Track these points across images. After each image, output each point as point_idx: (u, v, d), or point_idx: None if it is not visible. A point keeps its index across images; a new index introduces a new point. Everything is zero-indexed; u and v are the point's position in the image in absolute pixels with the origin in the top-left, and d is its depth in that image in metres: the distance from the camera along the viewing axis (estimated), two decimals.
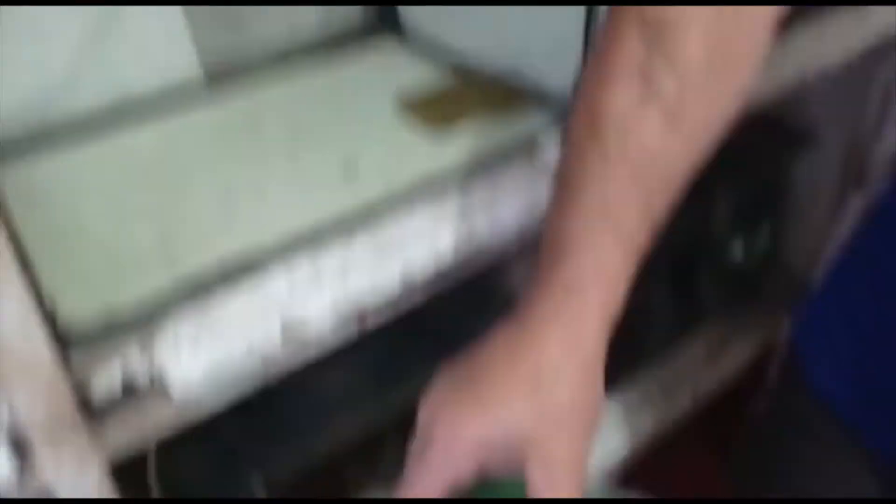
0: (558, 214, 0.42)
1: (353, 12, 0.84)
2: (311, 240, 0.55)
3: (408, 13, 0.83)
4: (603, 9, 0.64)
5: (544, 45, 0.70)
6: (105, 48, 0.68)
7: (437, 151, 0.66)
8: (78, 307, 0.48)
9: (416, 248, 0.55)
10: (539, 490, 0.37)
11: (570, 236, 0.40)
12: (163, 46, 0.72)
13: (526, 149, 0.66)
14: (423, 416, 0.39)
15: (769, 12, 0.43)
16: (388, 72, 0.78)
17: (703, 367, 1.11)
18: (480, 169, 0.64)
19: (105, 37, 0.68)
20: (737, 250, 1.12)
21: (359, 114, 0.72)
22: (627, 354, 1.01)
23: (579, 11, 0.65)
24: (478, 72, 0.76)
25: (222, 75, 0.76)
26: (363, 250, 0.55)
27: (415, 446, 0.38)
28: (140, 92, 0.71)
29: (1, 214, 0.37)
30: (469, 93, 0.72)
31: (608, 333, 0.40)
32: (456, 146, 0.66)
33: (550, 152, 0.66)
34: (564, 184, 0.43)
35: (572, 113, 0.45)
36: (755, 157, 1.07)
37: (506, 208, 0.60)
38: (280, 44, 0.79)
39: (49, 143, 0.66)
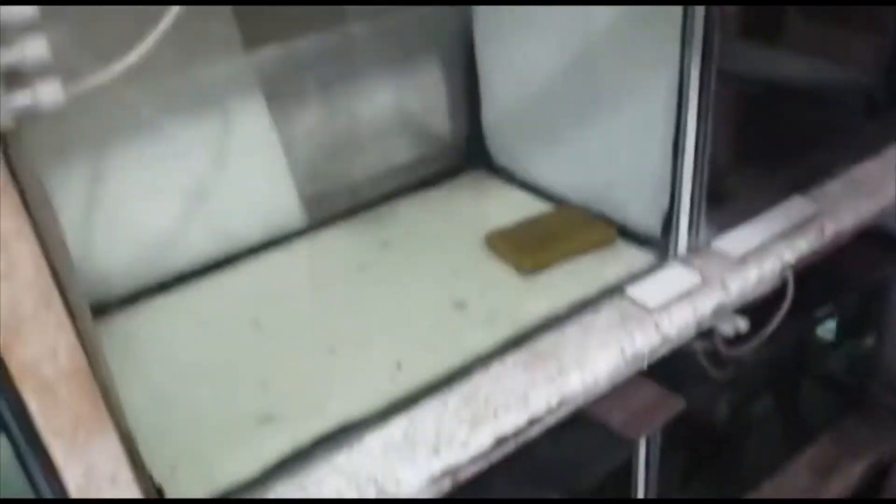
0: None
1: (446, 151, 0.87)
2: (408, 401, 0.57)
3: (496, 149, 0.85)
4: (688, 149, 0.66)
5: (631, 182, 0.71)
6: (212, 201, 0.73)
7: (529, 298, 0.67)
8: (184, 485, 0.50)
9: (508, 409, 0.56)
10: None
11: None
12: (267, 196, 0.76)
13: (616, 293, 0.66)
14: None
15: None
16: (482, 209, 0.81)
17: (812, 487, 1.05)
18: (571, 316, 0.64)
19: (212, 190, 0.73)
20: (841, 363, 1.08)
21: (456, 257, 0.74)
22: (733, 479, 0.97)
23: (667, 149, 0.66)
24: (567, 206, 0.77)
25: (324, 220, 0.79)
26: (457, 414, 0.56)
27: None
28: (245, 241, 0.75)
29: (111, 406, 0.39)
30: (558, 231, 0.73)
31: None
32: (547, 292, 0.67)
33: (641, 295, 0.66)
34: None
35: None
36: (858, 268, 1.04)
37: (598, 359, 0.60)
38: (378, 186, 0.83)
39: (158, 293, 0.71)
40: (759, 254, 0.70)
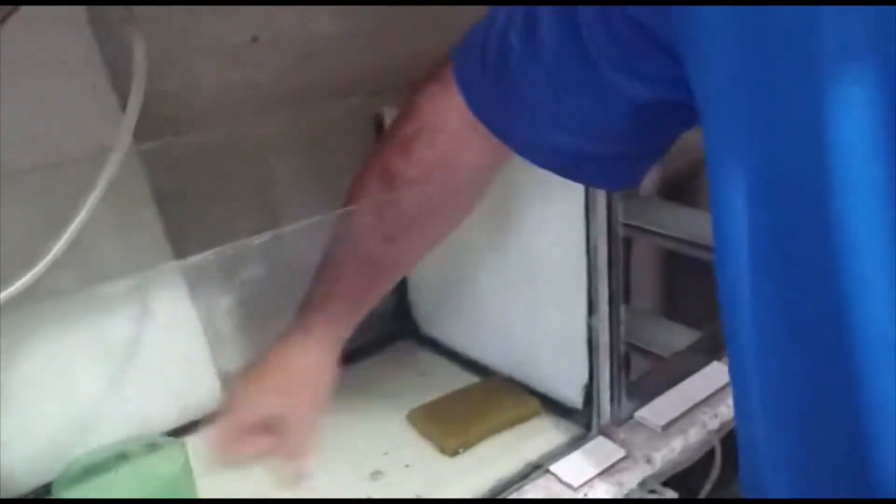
0: (313, 287, 0.68)
1: (373, 322, 0.87)
2: None
3: (423, 320, 0.86)
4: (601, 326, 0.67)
5: (551, 354, 0.72)
6: (128, 385, 0.71)
7: (450, 479, 0.66)
8: None
9: None
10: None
11: (312, 301, 0.68)
12: (186, 378, 0.74)
13: (540, 471, 0.65)
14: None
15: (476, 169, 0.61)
16: (408, 382, 0.80)
17: None
18: (494, 498, 0.63)
19: (128, 373, 0.71)
20: None
21: (378, 433, 0.72)
22: None
23: (581, 323, 0.67)
24: (492, 379, 0.77)
25: None
26: None
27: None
28: (162, 425, 0.73)
29: None
30: (481, 406, 0.73)
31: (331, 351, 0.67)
32: (468, 471, 0.66)
33: (565, 472, 0.65)
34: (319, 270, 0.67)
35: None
36: None
37: None
38: None
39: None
40: (682, 423, 0.70)
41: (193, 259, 0.71)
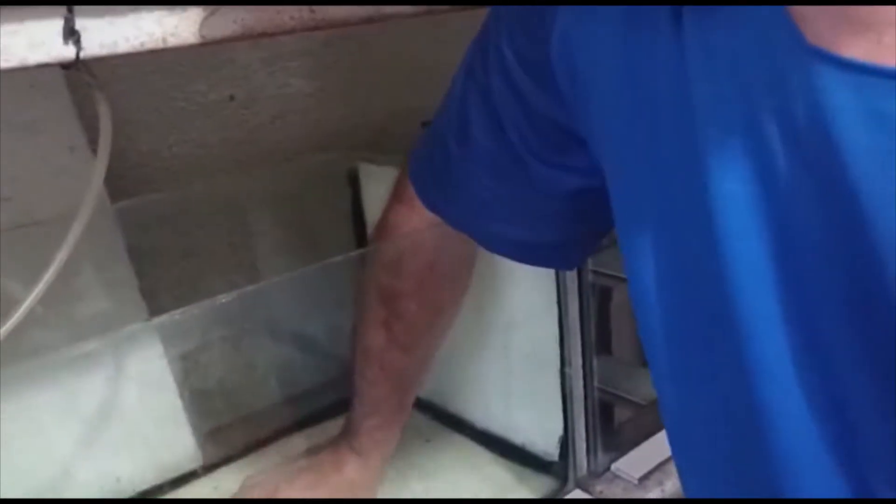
0: (351, 409, 0.69)
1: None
2: None
3: None
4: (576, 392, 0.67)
5: (527, 407, 0.72)
6: (101, 443, 0.70)
7: None
8: None
9: None
10: None
11: (355, 421, 0.69)
12: (161, 436, 0.74)
13: None
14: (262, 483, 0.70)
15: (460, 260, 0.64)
16: None
17: None
18: None
19: (101, 431, 0.70)
20: None
21: None
22: None
23: (555, 375, 0.67)
24: (470, 431, 0.77)
25: (221, 457, 0.77)
26: None
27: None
28: (136, 484, 0.72)
29: None
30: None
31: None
32: None
33: None
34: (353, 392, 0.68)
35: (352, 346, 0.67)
36: None
37: None
38: (277, 418, 0.82)
39: None
40: (659, 474, 0.70)
41: (167, 317, 0.71)
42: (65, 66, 0.35)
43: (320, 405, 0.85)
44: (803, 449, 0.34)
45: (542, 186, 0.50)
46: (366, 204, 0.80)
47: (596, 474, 0.70)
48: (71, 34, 0.34)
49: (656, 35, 0.36)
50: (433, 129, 0.57)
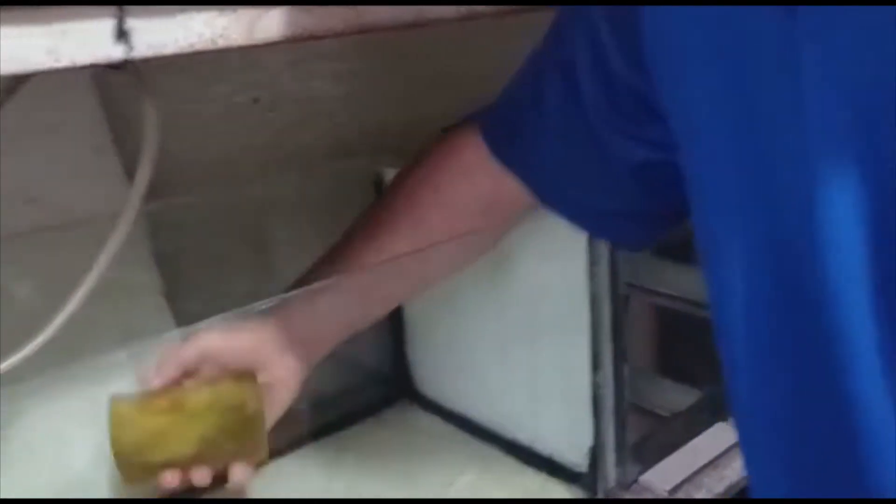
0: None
1: (370, 383, 0.87)
2: None
3: (421, 381, 0.85)
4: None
5: (555, 417, 0.71)
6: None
7: None
8: None
9: None
10: None
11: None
12: None
13: None
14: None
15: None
16: (406, 443, 0.79)
17: None
18: None
19: None
20: None
21: (374, 491, 0.71)
22: None
23: (585, 383, 0.66)
24: (496, 441, 0.76)
25: None
26: None
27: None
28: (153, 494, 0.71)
29: None
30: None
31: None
32: None
33: None
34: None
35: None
36: None
37: None
38: (296, 429, 0.81)
39: None
40: (687, 487, 0.69)
41: (196, 327, 0.71)
42: (113, 67, 0.35)
43: (341, 413, 0.84)
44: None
45: (605, 152, 0.52)
46: None
47: (625, 486, 0.69)
48: (121, 35, 0.33)
49: (763, 24, 0.35)
50: (506, 97, 0.60)
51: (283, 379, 0.62)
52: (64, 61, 0.32)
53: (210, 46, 0.36)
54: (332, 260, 0.66)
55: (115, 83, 0.73)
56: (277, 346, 0.61)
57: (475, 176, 0.61)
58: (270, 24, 0.37)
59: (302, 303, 0.64)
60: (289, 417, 0.82)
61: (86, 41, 0.33)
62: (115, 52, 0.33)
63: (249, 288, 0.83)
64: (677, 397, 0.87)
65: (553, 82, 0.54)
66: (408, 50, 0.90)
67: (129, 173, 0.72)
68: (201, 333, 0.61)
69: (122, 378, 0.69)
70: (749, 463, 0.45)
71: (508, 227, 0.65)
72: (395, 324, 0.86)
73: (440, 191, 0.62)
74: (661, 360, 1.14)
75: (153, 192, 0.75)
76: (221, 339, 0.61)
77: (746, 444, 0.44)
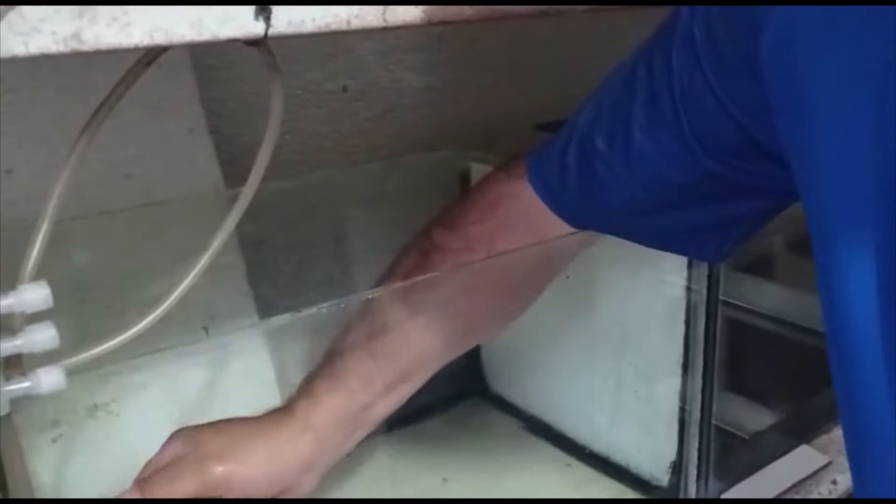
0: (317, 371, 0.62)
1: (440, 379, 0.85)
2: None
3: (494, 379, 0.84)
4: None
5: (636, 427, 0.69)
6: None
7: None
8: None
9: None
10: None
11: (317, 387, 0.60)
12: None
13: None
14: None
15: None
16: (475, 442, 0.78)
17: None
18: None
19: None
20: None
21: (441, 489, 0.70)
22: None
23: (671, 396, 0.65)
24: (569, 447, 0.74)
25: None
26: None
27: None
28: None
29: None
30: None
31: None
32: None
33: None
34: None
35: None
36: None
37: None
38: None
39: None
40: None
41: (280, 319, 0.70)
42: (250, 43, 0.34)
43: (405, 412, 0.83)
44: None
45: (699, 174, 0.50)
46: None
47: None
48: (263, 11, 0.32)
49: None
50: (566, 133, 0.57)
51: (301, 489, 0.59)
52: (206, 35, 0.32)
53: (344, 27, 0.35)
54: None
55: (210, 65, 0.73)
56: (297, 471, 0.58)
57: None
58: (405, 9, 0.36)
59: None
60: None
61: (228, 16, 0.32)
62: (256, 29, 0.33)
63: (326, 277, 0.83)
64: (747, 415, 0.84)
65: (640, 106, 0.51)
66: (493, 44, 0.89)
67: (219, 157, 0.73)
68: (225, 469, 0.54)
69: (204, 362, 0.70)
70: (867, 486, 0.42)
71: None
72: None
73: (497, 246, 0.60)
74: (731, 376, 1.11)
75: (238, 175, 0.76)
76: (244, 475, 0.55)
77: (868, 465, 0.42)
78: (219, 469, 0.53)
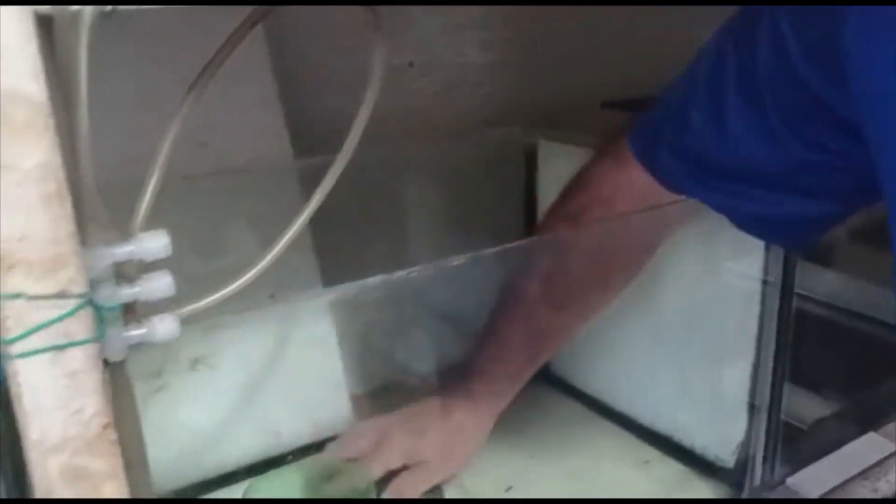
0: (479, 349, 0.67)
1: None
2: None
3: (556, 360, 0.84)
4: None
5: (702, 409, 0.68)
6: (264, 399, 0.70)
7: None
8: None
9: None
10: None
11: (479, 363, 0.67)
12: (320, 397, 0.73)
13: None
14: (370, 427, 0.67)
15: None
16: (534, 421, 0.77)
17: None
18: None
19: (265, 388, 0.70)
20: None
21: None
22: None
23: (740, 379, 0.64)
24: (633, 428, 0.74)
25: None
26: None
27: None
28: (293, 441, 0.71)
29: None
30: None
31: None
32: None
33: None
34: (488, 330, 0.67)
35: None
36: None
37: None
38: (427, 390, 0.80)
39: (201, 492, 0.67)
40: (839, 495, 0.66)
41: (344, 288, 0.71)
42: (360, 2, 0.34)
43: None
44: None
45: (786, 159, 0.51)
46: (541, 184, 0.78)
47: (770, 486, 0.66)
48: None
49: None
50: (667, 103, 0.58)
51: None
52: None
53: None
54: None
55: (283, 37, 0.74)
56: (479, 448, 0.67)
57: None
58: None
59: (506, 391, 0.67)
60: (418, 389, 0.82)
61: None
62: None
63: (389, 251, 0.83)
64: (805, 406, 0.83)
65: (733, 88, 0.52)
66: (558, 22, 0.88)
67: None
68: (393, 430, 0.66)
69: (269, 328, 0.71)
70: None
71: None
72: None
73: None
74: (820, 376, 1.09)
75: (303, 146, 0.76)
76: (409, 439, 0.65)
77: None
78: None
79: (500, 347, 0.66)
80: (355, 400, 0.76)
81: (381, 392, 0.80)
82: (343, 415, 0.75)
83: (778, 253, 0.61)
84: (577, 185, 0.63)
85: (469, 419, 0.66)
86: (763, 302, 0.61)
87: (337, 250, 0.79)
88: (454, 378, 0.68)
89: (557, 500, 0.61)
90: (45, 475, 0.28)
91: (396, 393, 0.80)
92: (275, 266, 0.71)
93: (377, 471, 0.63)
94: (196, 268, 0.62)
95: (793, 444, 0.72)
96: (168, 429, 0.62)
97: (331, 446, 0.67)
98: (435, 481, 0.65)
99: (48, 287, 0.27)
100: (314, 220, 0.75)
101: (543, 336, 0.66)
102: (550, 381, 0.83)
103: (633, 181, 0.59)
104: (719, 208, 0.56)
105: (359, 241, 0.80)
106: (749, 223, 0.57)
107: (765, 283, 0.61)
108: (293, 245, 0.72)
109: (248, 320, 0.67)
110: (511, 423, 0.75)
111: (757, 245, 0.61)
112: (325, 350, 0.73)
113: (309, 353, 0.72)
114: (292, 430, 0.72)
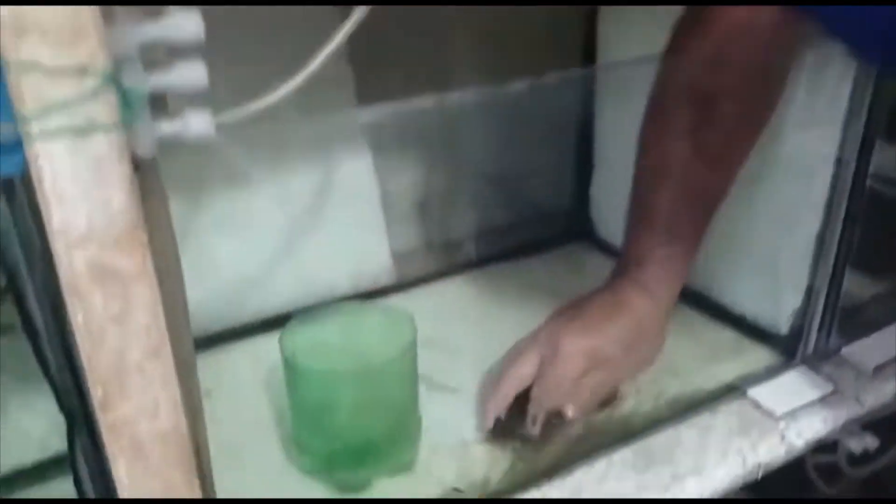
0: (634, 238, 0.62)
1: (547, 219, 0.83)
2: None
3: (602, 222, 0.81)
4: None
5: (757, 274, 0.65)
6: (305, 247, 0.69)
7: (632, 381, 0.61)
8: None
9: None
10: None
11: (642, 251, 0.61)
12: (360, 249, 0.72)
13: (735, 394, 0.60)
14: (544, 334, 0.58)
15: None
16: (576, 283, 0.75)
17: None
18: (686, 416, 0.58)
19: (306, 236, 0.69)
20: None
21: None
22: None
23: (807, 246, 0.60)
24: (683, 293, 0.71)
25: (414, 280, 0.75)
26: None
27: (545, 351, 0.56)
28: (333, 291, 0.70)
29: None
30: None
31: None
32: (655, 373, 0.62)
33: (765, 399, 0.60)
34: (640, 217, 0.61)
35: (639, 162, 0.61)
36: None
37: (717, 467, 0.54)
38: (471, 250, 0.78)
39: (240, 337, 0.67)
40: (894, 367, 0.63)
41: (375, 109, 0.67)
42: None
43: (509, 244, 0.81)
44: None
45: None
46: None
47: (825, 356, 0.64)
48: None
49: None
50: None
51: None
52: None
53: None
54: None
55: None
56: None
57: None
58: None
59: (679, 277, 0.62)
60: (450, 245, 0.80)
61: None
62: None
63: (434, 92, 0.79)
64: (861, 283, 0.79)
65: None
66: None
67: None
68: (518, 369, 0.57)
69: (309, 167, 0.68)
70: None
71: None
72: (580, 163, 0.81)
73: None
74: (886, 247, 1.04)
75: None
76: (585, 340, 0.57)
77: None
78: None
79: (663, 230, 0.60)
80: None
81: (426, 251, 0.78)
82: (384, 268, 0.73)
83: (857, 129, 0.56)
84: (692, 30, 0.56)
85: (648, 312, 0.59)
86: (843, 146, 0.56)
87: (381, 95, 0.75)
88: (620, 271, 0.61)
89: (565, 500, 0.56)
90: (72, 270, 0.26)
91: (439, 254, 0.78)
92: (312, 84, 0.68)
93: (557, 384, 0.56)
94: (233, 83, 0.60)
95: (849, 316, 0.69)
96: (204, 264, 0.62)
97: (505, 360, 0.59)
98: (623, 379, 0.60)
99: (67, 59, 0.24)
100: (356, 64, 0.71)
101: (705, 199, 0.60)
102: (599, 245, 0.80)
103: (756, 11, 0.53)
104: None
105: (404, 83, 0.76)
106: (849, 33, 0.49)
107: (839, 160, 0.56)
108: (337, 85, 0.69)
109: (284, 132, 0.65)
110: (555, 285, 0.74)
111: (834, 118, 0.56)
112: (367, 197, 0.71)
113: (349, 198, 0.70)
114: (332, 278, 0.71)
